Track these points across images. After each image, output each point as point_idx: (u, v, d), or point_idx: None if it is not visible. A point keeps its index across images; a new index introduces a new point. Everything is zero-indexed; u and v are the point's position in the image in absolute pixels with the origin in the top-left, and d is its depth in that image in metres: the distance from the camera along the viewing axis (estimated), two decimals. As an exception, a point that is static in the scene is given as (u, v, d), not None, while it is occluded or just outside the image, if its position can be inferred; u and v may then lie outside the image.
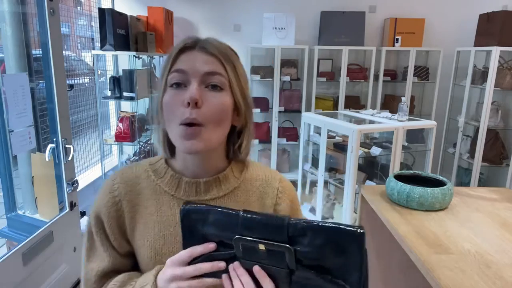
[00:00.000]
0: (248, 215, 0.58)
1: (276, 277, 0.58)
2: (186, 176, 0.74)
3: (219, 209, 0.60)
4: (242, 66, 0.74)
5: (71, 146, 1.75)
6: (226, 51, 0.70)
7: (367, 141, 2.83)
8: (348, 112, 3.05)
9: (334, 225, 0.55)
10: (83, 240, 0.76)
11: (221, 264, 0.60)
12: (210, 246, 0.61)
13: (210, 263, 0.61)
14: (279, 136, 3.60)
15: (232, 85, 0.69)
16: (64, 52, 1.69)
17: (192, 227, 0.63)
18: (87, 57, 3.61)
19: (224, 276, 0.61)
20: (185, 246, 0.63)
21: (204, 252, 0.61)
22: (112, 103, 3.41)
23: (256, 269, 0.59)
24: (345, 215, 2.43)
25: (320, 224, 0.56)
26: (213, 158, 0.75)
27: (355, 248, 0.54)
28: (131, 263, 0.76)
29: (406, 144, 2.81)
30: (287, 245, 0.56)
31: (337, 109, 3.56)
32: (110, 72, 3.31)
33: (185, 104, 0.65)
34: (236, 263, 0.60)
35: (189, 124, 0.65)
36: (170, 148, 0.76)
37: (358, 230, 0.54)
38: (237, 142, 0.76)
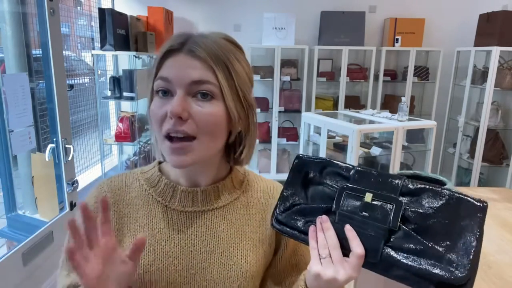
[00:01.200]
0: (363, 167, 0.59)
1: (369, 240, 0.54)
2: (182, 184, 0.69)
3: (334, 161, 0.62)
4: (241, 61, 0.63)
5: (71, 146, 1.75)
6: (219, 51, 0.60)
7: (367, 141, 2.83)
8: (348, 112, 3.05)
9: (455, 192, 0.52)
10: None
11: None
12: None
13: None
14: (279, 136, 3.60)
15: (224, 93, 0.60)
16: (64, 52, 1.69)
17: (298, 177, 0.64)
18: (87, 57, 3.61)
19: (311, 227, 0.59)
20: (282, 195, 0.65)
21: None
22: (112, 103, 3.41)
23: (348, 227, 0.56)
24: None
25: (441, 188, 0.53)
26: (213, 165, 0.69)
27: (473, 222, 0.50)
28: None
29: (406, 144, 2.81)
30: (398, 197, 0.54)
31: (337, 109, 3.55)
32: (110, 72, 3.31)
33: (168, 118, 0.59)
34: (324, 217, 0.58)
35: (175, 137, 0.59)
36: None
37: (483, 204, 0.50)
38: (239, 148, 0.69)
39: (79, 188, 1.92)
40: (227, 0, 3.58)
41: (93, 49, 3.04)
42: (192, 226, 0.68)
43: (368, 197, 0.55)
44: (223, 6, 3.59)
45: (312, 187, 0.62)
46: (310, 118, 2.82)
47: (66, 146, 1.73)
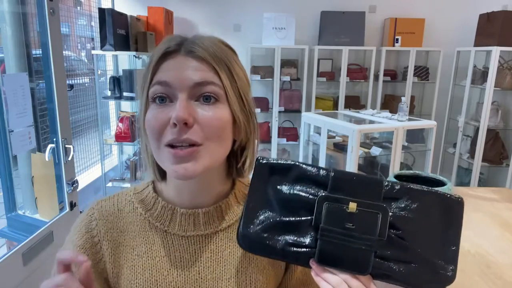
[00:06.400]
0: (340, 172, 0.52)
1: (358, 253, 0.50)
2: (180, 206, 0.62)
3: (304, 165, 0.54)
4: (239, 65, 0.59)
5: (71, 146, 1.75)
6: (219, 51, 0.56)
7: (367, 141, 2.83)
8: (348, 112, 3.05)
9: (435, 190, 0.51)
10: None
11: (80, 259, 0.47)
12: (79, 258, 0.47)
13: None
14: (279, 136, 3.60)
15: (228, 95, 0.55)
16: (64, 52, 1.69)
17: (264, 185, 0.54)
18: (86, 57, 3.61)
19: (316, 279, 0.52)
20: (247, 207, 0.55)
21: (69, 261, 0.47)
22: (112, 103, 3.41)
23: (314, 264, 0.51)
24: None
25: (421, 188, 0.51)
26: (213, 181, 0.62)
27: (456, 217, 0.50)
28: None
29: (406, 144, 2.81)
30: (383, 203, 0.50)
31: (337, 109, 3.55)
32: (110, 72, 3.31)
33: (171, 125, 0.52)
34: (314, 264, 0.51)
35: (179, 146, 0.53)
36: (160, 170, 0.62)
37: (460, 199, 0.51)
38: (240, 159, 0.62)
39: (79, 188, 1.92)
40: (227, 0, 3.58)
41: (93, 49, 3.04)
42: (195, 252, 0.62)
43: (353, 206, 0.50)
44: (223, 6, 3.59)
45: (282, 196, 0.54)
46: (310, 118, 2.82)
47: (66, 146, 1.73)
